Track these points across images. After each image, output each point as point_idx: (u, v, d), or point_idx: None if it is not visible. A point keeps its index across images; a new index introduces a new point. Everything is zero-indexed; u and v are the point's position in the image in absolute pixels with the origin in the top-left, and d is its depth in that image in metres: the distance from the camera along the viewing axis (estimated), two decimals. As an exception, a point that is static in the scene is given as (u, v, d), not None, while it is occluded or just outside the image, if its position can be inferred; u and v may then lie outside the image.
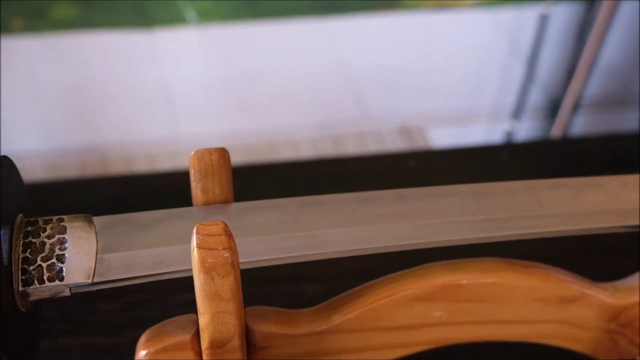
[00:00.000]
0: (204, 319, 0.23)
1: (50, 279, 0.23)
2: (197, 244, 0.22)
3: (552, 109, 0.73)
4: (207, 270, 0.22)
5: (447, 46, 0.69)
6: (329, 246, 0.25)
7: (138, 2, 0.61)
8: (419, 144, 0.72)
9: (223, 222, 0.22)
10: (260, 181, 0.48)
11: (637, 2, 0.67)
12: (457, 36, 0.69)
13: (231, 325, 0.23)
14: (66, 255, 0.23)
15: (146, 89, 0.65)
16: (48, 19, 0.60)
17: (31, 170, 0.63)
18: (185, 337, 0.24)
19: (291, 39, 0.66)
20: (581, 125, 0.74)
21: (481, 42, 0.69)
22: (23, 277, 0.23)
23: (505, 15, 0.68)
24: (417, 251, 0.26)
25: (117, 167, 0.66)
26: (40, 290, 0.23)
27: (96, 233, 0.24)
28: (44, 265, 0.23)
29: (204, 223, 0.22)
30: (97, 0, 0.60)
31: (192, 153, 0.25)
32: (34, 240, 0.24)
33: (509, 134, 0.75)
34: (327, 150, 0.70)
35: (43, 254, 0.23)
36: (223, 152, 0.26)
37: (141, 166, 0.66)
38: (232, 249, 0.22)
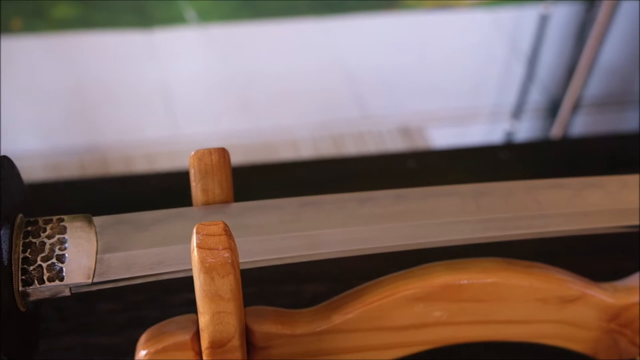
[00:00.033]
0: (204, 319, 0.23)
1: (50, 279, 0.23)
2: (197, 243, 0.22)
3: (552, 108, 0.73)
4: (207, 270, 0.22)
5: (447, 46, 0.69)
6: (329, 246, 0.25)
7: (138, 2, 0.61)
8: (418, 143, 0.72)
9: (223, 222, 0.22)
10: (260, 181, 0.48)
11: (637, 2, 0.67)
12: (457, 36, 0.69)
13: (231, 325, 0.23)
14: (66, 255, 0.23)
15: (146, 89, 0.65)
16: (48, 19, 0.60)
17: (31, 170, 0.63)
18: (185, 337, 0.24)
19: (291, 39, 0.66)
20: (581, 125, 0.74)
21: (481, 42, 0.69)
22: (23, 277, 0.23)
23: (505, 15, 0.68)
24: (417, 251, 0.26)
25: (117, 167, 0.66)
26: (40, 290, 0.23)
27: (96, 233, 0.24)
28: (44, 265, 0.23)
29: (204, 223, 0.22)
30: (96, 0, 0.60)
31: (192, 153, 0.25)
32: (34, 240, 0.24)
33: (509, 134, 0.75)
34: (327, 150, 0.70)
35: (43, 254, 0.23)
36: (223, 152, 0.26)
37: (141, 166, 0.66)
38: (232, 248, 0.22)
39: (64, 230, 0.24)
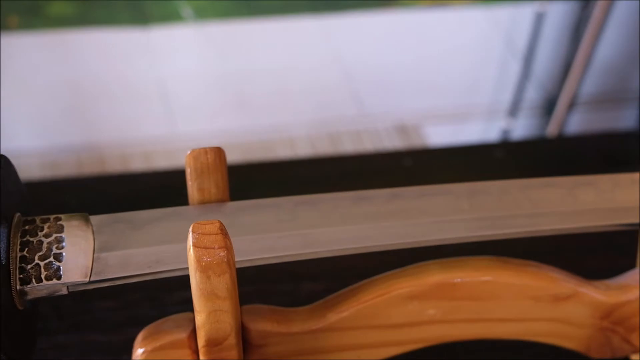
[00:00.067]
0: (200, 317, 0.23)
1: (48, 278, 0.23)
2: (193, 242, 0.22)
3: (548, 106, 0.73)
4: (203, 269, 0.22)
5: (444, 44, 0.69)
6: (325, 245, 0.25)
7: (134, -1, 0.61)
8: (415, 141, 0.72)
9: (219, 221, 0.23)
10: (257, 179, 0.48)
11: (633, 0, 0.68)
12: (453, 34, 0.69)
13: (227, 323, 0.23)
14: (63, 254, 0.24)
15: (143, 87, 0.65)
16: (44, 16, 0.60)
17: (28, 168, 0.63)
18: (182, 335, 0.24)
19: (287, 37, 0.66)
20: (577, 123, 0.74)
21: (477, 39, 0.69)
22: (21, 276, 0.23)
23: (501, 12, 0.69)
24: (411, 249, 0.26)
25: (114, 165, 0.66)
26: (38, 289, 0.23)
27: (93, 232, 0.24)
28: (42, 264, 0.23)
29: (200, 222, 0.22)
30: (93, -2, 0.60)
31: (188, 152, 0.26)
32: (31, 239, 0.24)
33: (505, 132, 0.75)
34: (324, 147, 0.70)
35: (40, 253, 0.24)
36: (219, 151, 0.26)
37: (138, 164, 0.66)
38: (228, 247, 0.22)
39: (61, 229, 0.24)
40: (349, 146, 0.71)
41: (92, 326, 0.35)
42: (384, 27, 0.68)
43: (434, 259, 0.27)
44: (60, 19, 0.61)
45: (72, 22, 0.61)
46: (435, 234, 0.26)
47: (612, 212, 0.27)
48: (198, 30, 0.64)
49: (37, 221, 0.24)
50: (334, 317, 0.25)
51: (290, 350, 0.25)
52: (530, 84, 0.73)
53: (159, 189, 0.45)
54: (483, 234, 0.26)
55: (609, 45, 0.70)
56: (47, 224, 0.24)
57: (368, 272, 0.27)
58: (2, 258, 0.23)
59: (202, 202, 0.26)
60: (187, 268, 0.23)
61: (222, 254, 0.22)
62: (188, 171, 0.26)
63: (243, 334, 0.25)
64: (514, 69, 0.72)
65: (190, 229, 0.22)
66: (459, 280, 0.26)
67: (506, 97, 0.74)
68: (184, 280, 0.23)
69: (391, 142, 0.72)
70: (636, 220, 0.27)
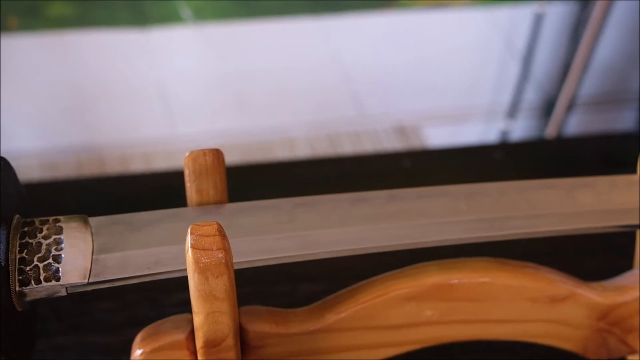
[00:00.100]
0: (198, 319, 0.23)
1: (47, 279, 0.23)
2: (192, 244, 0.22)
3: (547, 107, 0.73)
4: (202, 270, 0.22)
5: (443, 45, 0.69)
6: (323, 246, 0.25)
7: (134, 0, 0.61)
8: (414, 142, 0.72)
9: (217, 222, 0.23)
10: (256, 180, 0.48)
11: (631, 0, 0.68)
12: (452, 35, 0.69)
13: (225, 324, 0.23)
14: (62, 255, 0.24)
15: (142, 88, 0.65)
16: (44, 17, 0.60)
17: (27, 169, 0.63)
18: (180, 336, 0.24)
19: (287, 38, 0.66)
20: (576, 124, 0.74)
21: (476, 40, 0.70)
22: (20, 277, 0.23)
23: (500, 13, 0.69)
24: (409, 251, 0.26)
25: (114, 166, 0.66)
26: (37, 290, 0.23)
27: (92, 233, 0.24)
28: (41, 265, 0.24)
29: (198, 223, 0.23)
30: (92, -1, 0.60)
31: (187, 154, 0.26)
32: (30, 240, 0.24)
33: (504, 133, 0.75)
34: (323, 148, 0.71)
35: (39, 255, 0.24)
36: (217, 153, 0.26)
37: (138, 165, 0.66)
38: (226, 249, 0.22)
39: (60, 231, 0.24)
40: (348, 147, 0.71)
41: (91, 327, 0.35)
42: (383, 28, 0.68)
43: (432, 260, 0.27)
44: (60, 20, 0.61)
45: (71, 23, 0.61)
46: (434, 235, 0.26)
47: (610, 213, 0.27)
48: (197, 31, 0.64)
49: (36, 223, 0.24)
50: (332, 318, 0.25)
51: (288, 351, 0.26)
52: (529, 85, 0.73)
53: (158, 190, 0.45)
54: (481, 236, 0.26)
55: (608, 46, 0.70)
56: (46, 226, 0.24)
57: (366, 273, 0.27)
58: (1, 260, 0.23)
59: (201, 204, 0.26)
60: (186, 269, 0.23)
61: (220, 255, 0.22)
62: (187, 173, 0.26)
63: (241, 335, 0.25)
64: (513, 70, 0.72)
65: (189, 231, 0.22)
66: (456, 281, 0.26)
67: (505, 98, 0.74)
68: (183, 282, 0.23)
69: (390, 143, 0.72)
70: (634, 222, 0.27)
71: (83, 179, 0.56)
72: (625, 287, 0.27)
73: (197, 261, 0.22)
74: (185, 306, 0.24)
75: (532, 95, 0.74)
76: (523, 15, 0.70)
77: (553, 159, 0.52)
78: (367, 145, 0.72)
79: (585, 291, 0.27)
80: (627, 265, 0.30)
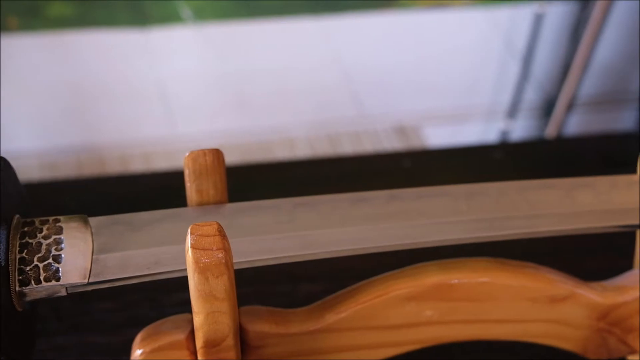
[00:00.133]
0: (198, 319, 0.23)
1: (47, 279, 0.23)
2: (192, 244, 0.22)
3: (547, 107, 0.73)
4: (202, 270, 0.22)
5: (443, 45, 0.69)
6: (323, 246, 0.25)
7: (134, 0, 0.61)
8: (414, 142, 0.72)
9: (217, 222, 0.23)
10: (257, 180, 0.48)
11: (631, 0, 0.68)
12: (452, 35, 0.69)
13: (225, 324, 0.23)
14: (62, 255, 0.24)
15: (142, 88, 0.65)
16: (43, 17, 0.60)
17: (27, 169, 0.63)
18: (180, 336, 0.24)
19: (287, 38, 0.66)
20: (576, 124, 0.74)
21: (476, 40, 0.70)
22: (20, 278, 0.23)
23: (500, 13, 0.69)
24: (409, 251, 0.26)
25: (114, 166, 0.66)
26: (37, 290, 0.23)
27: (92, 233, 0.24)
28: (41, 265, 0.24)
29: (198, 223, 0.23)
30: (92, -1, 0.60)
31: (187, 154, 0.26)
32: (30, 240, 0.24)
33: (504, 133, 0.75)
34: (323, 148, 0.71)
35: (39, 255, 0.24)
36: (217, 153, 0.26)
37: (138, 165, 0.67)
38: (226, 249, 0.22)
39: (60, 231, 0.24)
40: (348, 147, 0.71)
41: (91, 327, 0.35)
42: (383, 28, 0.68)
43: (432, 260, 0.27)
44: (60, 20, 0.61)
45: (71, 23, 0.61)
46: (433, 235, 0.26)
47: (610, 213, 0.27)
48: (197, 31, 0.64)
49: (36, 223, 0.24)
50: (332, 318, 0.26)
51: (288, 351, 0.26)
52: (529, 85, 0.73)
53: (158, 190, 0.45)
54: (481, 236, 0.26)
55: (608, 46, 0.70)
56: (46, 226, 0.24)
57: (366, 273, 0.27)
58: (1, 260, 0.23)
59: (201, 204, 0.26)
60: (186, 269, 0.23)
61: (220, 255, 0.22)
62: (187, 173, 0.26)
63: (241, 335, 0.25)
64: (513, 70, 0.72)
65: (189, 231, 0.22)
66: (456, 281, 0.26)
67: (505, 98, 0.74)
68: (183, 282, 0.23)
69: (390, 143, 0.72)
70: (634, 222, 0.27)
71: (83, 179, 0.56)
72: (625, 287, 0.27)
73: (197, 261, 0.22)
74: (185, 306, 0.24)
75: (532, 95, 0.74)
76: (523, 15, 0.70)
77: (553, 159, 0.52)
78: (367, 145, 0.72)
79: (585, 291, 0.27)
80: (627, 265, 0.30)
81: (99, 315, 0.36)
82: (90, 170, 0.65)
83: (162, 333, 0.25)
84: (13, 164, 0.25)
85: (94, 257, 0.24)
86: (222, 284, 0.22)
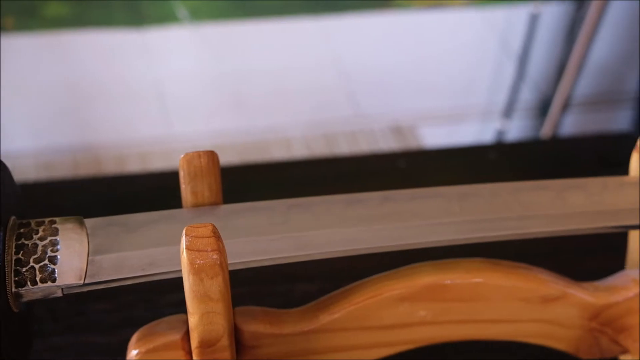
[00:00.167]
0: (193, 319, 0.23)
1: (43, 280, 0.24)
2: (186, 245, 0.22)
3: (543, 107, 0.73)
4: (196, 271, 0.22)
5: (439, 45, 0.69)
6: (317, 247, 0.26)
7: (130, 0, 0.61)
8: (410, 142, 0.73)
9: (212, 224, 0.23)
10: (253, 180, 0.48)
11: (627, 0, 0.68)
12: (448, 35, 0.69)
13: (220, 325, 0.23)
14: (58, 256, 0.24)
15: (139, 88, 0.65)
16: (40, 17, 0.60)
17: (23, 169, 0.63)
18: (176, 336, 0.25)
19: (284, 38, 0.66)
20: (571, 124, 0.75)
21: (472, 41, 0.70)
22: (16, 279, 0.24)
23: (496, 14, 0.69)
24: (403, 252, 0.26)
25: (110, 166, 0.66)
26: (33, 291, 0.24)
27: (87, 235, 0.25)
28: (37, 266, 0.24)
29: (193, 225, 0.23)
30: (89, -1, 0.60)
31: (182, 156, 0.26)
32: (26, 242, 0.24)
33: (500, 133, 0.75)
34: (320, 148, 0.71)
35: (35, 256, 0.24)
36: (212, 155, 0.26)
37: (134, 165, 0.67)
38: (221, 250, 0.22)
39: (55, 232, 0.24)
40: (344, 147, 0.72)
41: (86, 328, 0.36)
42: (379, 29, 0.68)
43: (425, 261, 0.27)
44: (56, 20, 0.61)
45: (68, 23, 0.61)
46: (427, 236, 0.26)
47: (602, 214, 0.27)
48: (194, 31, 0.64)
49: (32, 224, 0.25)
50: (326, 318, 0.26)
51: (282, 351, 0.26)
52: (525, 85, 0.73)
53: (155, 190, 0.45)
54: (473, 237, 0.26)
55: (603, 46, 0.71)
56: (42, 227, 0.24)
57: (361, 274, 0.27)
58: (-3, 261, 0.23)
59: (196, 205, 0.26)
60: (181, 270, 0.23)
61: (215, 256, 0.22)
62: (182, 174, 0.26)
63: (236, 335, 0.25)
64: (509, 70, 0.72)
65: (184, 232, 0.23)
66: (449, 282, 0.26)
67: (501, 98, 0.74)
68: (178, 283, 0.24)
69: (387, 143, 0.72)
70: (625, 223, 0.27)
71: (79, 179, 0.56)
72: (617, 287, 0.28)
73: (192, 262, 0.22)
74: (180, 307, 0.24)
75: (527, 95, 0.74)
76: (518, 16, 0.70)
77: (548, 159, 0.52)
78: (364, 145, 0.72)
79: (577, 291, 0.27)
80: (621, 266, 0.30)
81: (94, 316, 0.36)
82: (86, 170, 0.65)
83: (158, 333, 0.25)
84: (8, 163, 0.25)
85: (89, 258, 0.24)
86: (217, 285, 0.22)
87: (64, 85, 0.64)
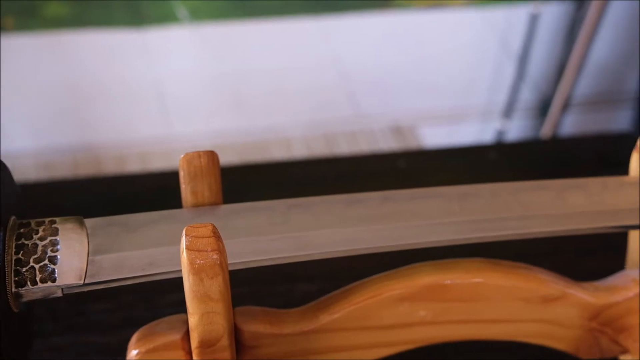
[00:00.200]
0: (193, 319, 0.23)
1: (43, 280, 0.24)
2: (186, 245, 0.22)
3: (543, 107, 0.73)
4: (196, 271, 0.22)
5: (439, 45, 0.69)
6: (317, 247, 0.26)
7: (130, 0, 0.61)
8: (410, 142, 0.73)
9: (212, 224, 0.23)
10: (253, 180, 0.48)
11: (626, 0, 0.68)
12: (448, 35, 0.69)
13: (220, 325, 0.23)
14: (58, 256, 0.24)
15: (139, 88, 0.65)
16: (40, 17, 0.60)
17: (23, 169, 0.63)
18: (176, 336, 0.25)
19: (284, 38, 0.66)
20: (571, 124, 0.75)
21: (472, 41, 0.70)
22: (16, 279, 0.24)
23: (496, 14, 0.69)
24: (403, 252, 0.26)
25: (110, 166, 0.66)
26: (33, 291, 0.24)
27: (87, 235, 0.25)
28: (37, 266, 0.24)
29: (193, 225, 0.23)
30: (89, -1, 0.60)
31: (182, 156, 0.26)
32: (26, 242, 0.24)
33: (500, 133, 0.75)
34: (320, 148, 0.71)
35: (35, 256, 0.24)
36: (212, 155, 0.26)
37: (134, 165, 0.67)
38: (221, 250, 0.23)
39: (55, 232, 0.24)
40: (344, 147, 0.72)
41: (87, 328, 0.36)
42: (379, 29, 0.68)
43: (425, 261, 0.27)
44: (56, 20, 0.61)
45: (68, 23, 0.61)
46: (427, 236, 0.26)
47: (602, 214, 0.27)
48: (194, 31, 0.64)
49: (32, 224, 0.25)
50: (325, 318, 0.26)
51: (282, 352, 0.26)
52: (525, 85, 0.73)
53: (155, 190, 0.46)
54: (473, 237, 0.26)
55: (603, 46, 0.71)
56: (42, 227, 0.24)
57: (361, 274, 0.27)
58: (-3, 261, 0.23)
59: (196, 205, 0.26)
60: (181, 270, 0.23)
61: (215, 256, 0.22)
62: (182, 174, 0.26)
63: (236, 335, 0.25)
64: (509, 70, 0.72)
65: (184, 232, 0.23)
66: (449, 282, 0.26)
67: (501, 98, 0.74)
68: (178, 283, 0.24)
69: (386, 143, 0.72)
70: (625, 223, 0.27)
71: (79, 179, 0.56)
72: (617, 287, 0.28)
73: (191, 262, 0.22)
74: (180, 307, 0.24)
75: (527, 95, 0.74)
76: (518, 16, 0.70)
77: (548, 159, 0.52)
78: (364, 145, 0.72)
79: (577, 291, 0.27)
80: (622, 266, 0.30)
81: (94, 316, 0.36)
82: (86, 170, 0.66)
83: (158, 333, 0.25)
84: (8, 163, 0.25)
85: (89, 258, 0.24)
86: (217, 285, 0.22)
87: (64, 85, 0.64)
